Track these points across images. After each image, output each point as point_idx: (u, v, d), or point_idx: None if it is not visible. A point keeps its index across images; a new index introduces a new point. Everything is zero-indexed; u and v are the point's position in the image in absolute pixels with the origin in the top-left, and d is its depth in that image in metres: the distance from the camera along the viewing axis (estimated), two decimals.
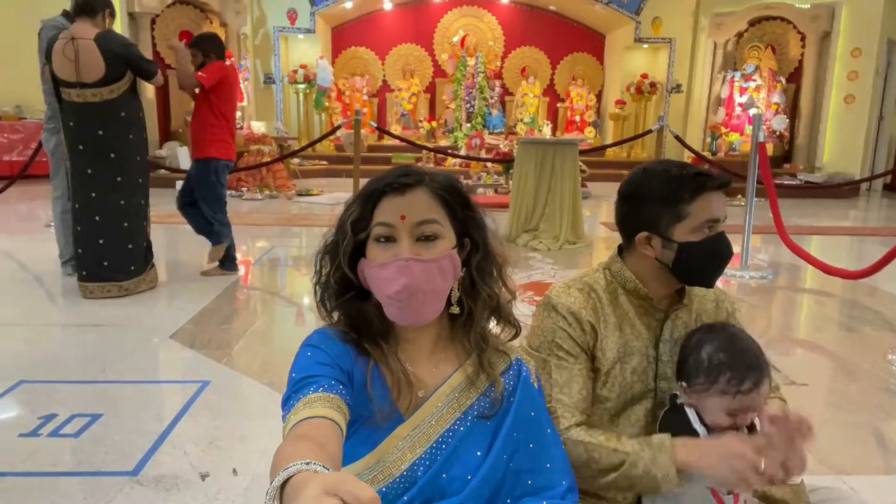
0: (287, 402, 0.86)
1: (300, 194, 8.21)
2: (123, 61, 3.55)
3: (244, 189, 8.15)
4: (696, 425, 1.19)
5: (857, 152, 9.84)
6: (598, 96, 12.59)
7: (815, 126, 10.16)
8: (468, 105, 11.61)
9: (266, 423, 2.28)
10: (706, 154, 9.70)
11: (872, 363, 3.04)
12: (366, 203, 0.94)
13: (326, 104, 11.06)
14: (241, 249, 5.21)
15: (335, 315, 1.00)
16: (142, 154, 3.77)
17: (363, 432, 0.94)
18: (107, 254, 3.67)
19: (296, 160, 9.66)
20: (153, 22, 9.23)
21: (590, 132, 12.20)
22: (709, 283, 1.27)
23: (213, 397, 2.53)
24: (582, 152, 9.17)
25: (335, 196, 8.03)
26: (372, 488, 0.53)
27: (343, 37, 12.21)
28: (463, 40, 11.77)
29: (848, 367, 3.08)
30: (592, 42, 12.66)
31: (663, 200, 1.22)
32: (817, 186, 9.26)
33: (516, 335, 1.07)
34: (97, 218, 3.61)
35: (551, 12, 12.41)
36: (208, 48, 4.06)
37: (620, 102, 11.72)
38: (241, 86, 9.49)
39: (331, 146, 11.12)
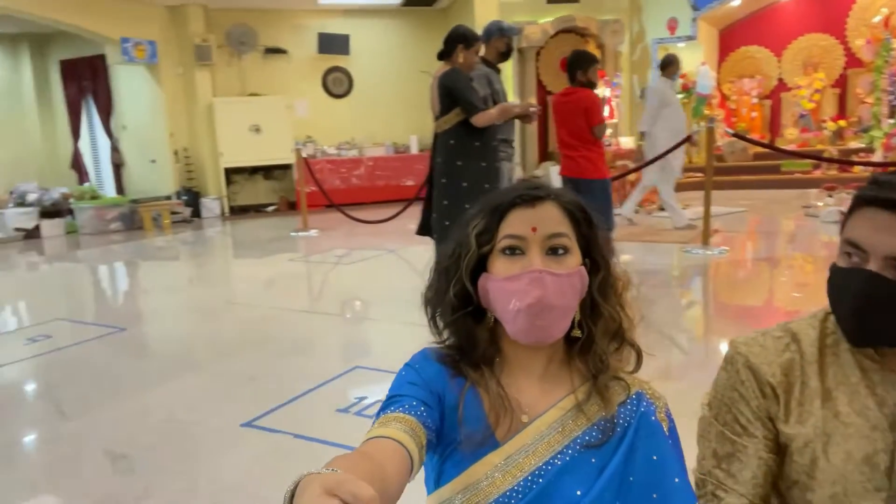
0: (375, 419, 0.91)
1: (661, 209, 7.92)
2: (450, 95, 3.83)
3: None
4: None
5: None
6: None
7: None
8: (891, 97, 9.44)
9: None
10: None
11: None
12: (492, 215, 0.93)
13: (706, 112, 10.39)
14: None
15: (445, 333, 0.99)
16: (471, 181, 3.86)
17: (457, 456, 0.93)
18: None
19: None
20: (538, 54, 10.12)
21: None
22: (852, 338, 0.94)
23: None
24: None
25: (699, 210, 7.50)
26: (371, 488, 0.53)
27: (731, 38, 11.30)
28: (887, 19, 9.63)
29: None
30: None
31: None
32: None
33: (639, 364, 0.98)
34: (435, 236, 4.17)
35: None
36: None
37: None
38: (613, 103, 9.65)
39: (704, 157, 10.40)
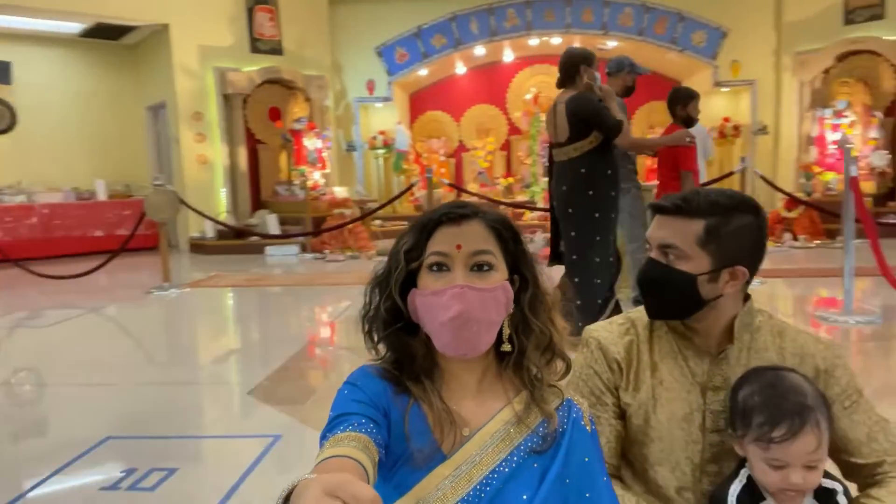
0: (322, 440, 0.86)
1: (380, 254, 8.40)
2: (586, 121, 3.56)
3: (326, 251, 8.45)
4: (731, 499, 1.09)
5: None
6: None
7: None
8: (544, 160, 11.64)
9: None
10: (800, 195, 9.17)
11: None
12: (420, 233, 0.95)
13: (405, 167, 11.42)
14: (326, 309, 5.36)
15: (380, 347, 1.00)
16: (603, 211, 3.62)
17: (403, 472, 0.92)
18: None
19: (377, 221, 9.95)
20: (245, 101, 9.93)
21: None
22: (649, 313, 1.23)
23: (284, 451, 2.56)
24: None
25: None
26: (372, 489, 0.52)
27: (420, 102, 12.66)
28: (536, 97, 11.91)
29: None
30: (668, 90, 12.46)
31: None
32: None
33: (567, 373, 1.04)
34: (566, 269, 3.73)
35: None
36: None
37: None
38: (325, 154, 9.96)
39: (410, 206, 11.39)
